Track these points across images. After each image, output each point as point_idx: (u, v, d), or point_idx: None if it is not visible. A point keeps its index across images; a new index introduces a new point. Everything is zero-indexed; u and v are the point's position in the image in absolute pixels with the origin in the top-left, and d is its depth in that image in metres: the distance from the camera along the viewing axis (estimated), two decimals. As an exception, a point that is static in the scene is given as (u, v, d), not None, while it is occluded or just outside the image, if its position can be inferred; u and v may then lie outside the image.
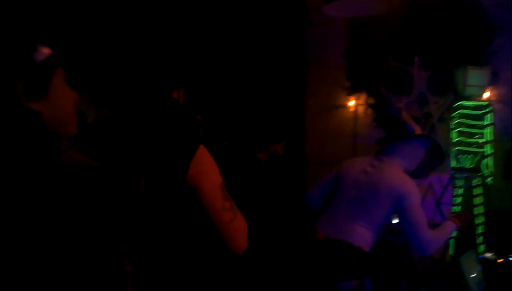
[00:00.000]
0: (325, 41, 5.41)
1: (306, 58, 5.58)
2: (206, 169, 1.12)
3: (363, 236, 2.37)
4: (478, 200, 4.50)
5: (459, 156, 4.45)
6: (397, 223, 3.32)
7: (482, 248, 4.37)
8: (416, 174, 3.21)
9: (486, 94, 4.57)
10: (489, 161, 4.42)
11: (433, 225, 2.94)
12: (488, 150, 4.44)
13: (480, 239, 4.45)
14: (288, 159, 3.97)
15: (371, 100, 5.00)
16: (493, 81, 4.60)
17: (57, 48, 1.02)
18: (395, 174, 2.38)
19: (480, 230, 4.49)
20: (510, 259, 3.88)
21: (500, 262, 3.89)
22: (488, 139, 4.45)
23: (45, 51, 0.99)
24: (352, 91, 5.29)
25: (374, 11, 3.99)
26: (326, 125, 5.53)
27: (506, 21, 4.65)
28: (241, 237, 1.21)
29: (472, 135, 4.45)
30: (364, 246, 2.37)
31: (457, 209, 4.54)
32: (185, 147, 1.09)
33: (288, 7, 5.08)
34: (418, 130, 2.46)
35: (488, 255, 4.05)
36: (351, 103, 5.41)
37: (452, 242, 4.22)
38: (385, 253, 3.31)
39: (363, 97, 5.21)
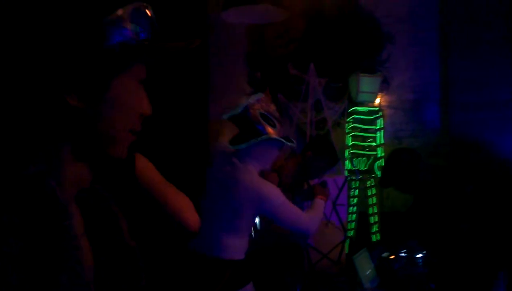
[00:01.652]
0: (227, 47, 5.45)
1: (209, 64, 5.59)
2: None
3: (232, 246, 2.32)
4: (372, 200, 4.74)
5: (354, 159, 4.68)
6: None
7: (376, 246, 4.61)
8: (309, 175, 3.31)
9: (377, 100, 4.84)
10: (380, 163, 4.67)
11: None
12: (379, 152, 4.71)
13: (374, 237, 4.69)
14: (192, 165, 3.95)
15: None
16: (383, 88, 4.88)
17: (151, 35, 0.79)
18: (249, 179, 2.31)
19: (374, 229, 4.73)
20: (401, 255, 4.13)
21: (392, 258, 4.13)
22: (380, 143, 4.71)
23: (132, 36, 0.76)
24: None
25: (271, 19, 4.08)
26: (230, 131, 5.55)
27: (396, 31, 4.95)
28: (190, 208, 1.39)
29: (365, 139, 4.70)
30: (235, 256, 2.33)
31: (353, 209, 4.75)
32: None
33: (189, 13, 5.06)
34: (269, 130, 2.32)
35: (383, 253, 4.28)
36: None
37: (347, 242, 4.40)
38: (282, 255, 3.38)
39: (264, 103, 5.30)
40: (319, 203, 2.61)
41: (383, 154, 4.70)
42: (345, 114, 4.73)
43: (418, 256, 3.90)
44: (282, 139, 2.36)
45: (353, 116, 4.70)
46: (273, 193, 2.32)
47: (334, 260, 4.06)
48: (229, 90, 5.55)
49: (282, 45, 4.88)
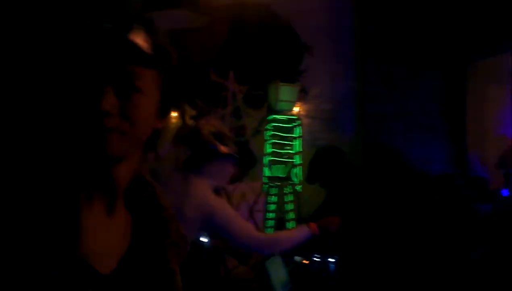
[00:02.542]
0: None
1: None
2: None
3: None
4: (289, 207, 4.85)
5: (272, 166, 4.77)
6: None
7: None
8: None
9: (296, 109, 4.97)
10: (298, 170, 4.80)
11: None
12: (297, 160, 4.83)
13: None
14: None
15: (192, 112, 5.10)
16: (302, 97, 5.02)
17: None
18: (200, 194, 2.35)
19: (291, 234, 4.83)
20: (315, 259, 4.23)
21: (306, 263, 4.23)
22: (298, 151, 4.84)
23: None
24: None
25: (189, 25, 4.09)
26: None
27: (315, 43, 5.10)
28: None
29: (283, 146, 4.81)
30: None
31: (271, 215, 4.83)
32: None
33: (108, 14, 4.96)
34: (222, 148, 2.39)
35: (296, 257, 4.38)
36: (175, 114, 5.45)
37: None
38: (198, 263, 3.37)
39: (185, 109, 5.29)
40: (302, 230, 2.57)
41: (301, 162, 4.83)
42: (264, 122, 4.82)
43: (331, 260, 4.02)
44: (236, 155, 2.44)
45: (272, 124, 4.80)
46: (223, 206, 2.40)
47: (251, 266, 4.10)
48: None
49: (205, 52, 4.90)
